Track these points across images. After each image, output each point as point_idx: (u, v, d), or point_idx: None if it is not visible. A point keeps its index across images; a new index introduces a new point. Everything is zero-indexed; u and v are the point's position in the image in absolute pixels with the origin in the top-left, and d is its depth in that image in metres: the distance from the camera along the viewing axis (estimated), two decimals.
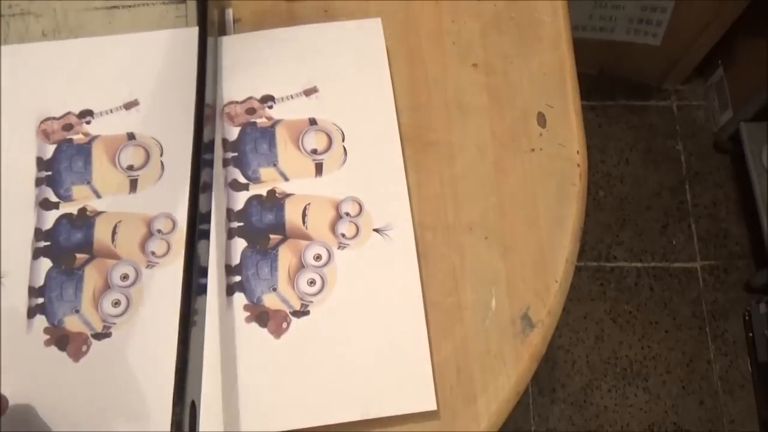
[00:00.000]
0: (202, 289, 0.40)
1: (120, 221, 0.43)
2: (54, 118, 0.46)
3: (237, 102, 0.46)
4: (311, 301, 0.42)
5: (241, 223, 0.43)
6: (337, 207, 0.44)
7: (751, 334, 1.27)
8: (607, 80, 1.45)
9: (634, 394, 1.25)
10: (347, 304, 0.42)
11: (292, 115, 0.46)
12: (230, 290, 0.42)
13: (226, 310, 0.41)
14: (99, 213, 0.44)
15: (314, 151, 0.45)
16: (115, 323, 0.41)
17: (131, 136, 0.46)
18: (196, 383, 0.36)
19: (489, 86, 0.47)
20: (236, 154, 0.45)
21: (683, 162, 1.41)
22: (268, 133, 0.45)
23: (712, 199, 1.38)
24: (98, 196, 0.44)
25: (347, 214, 0.44)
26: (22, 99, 0.46)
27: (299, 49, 0.47)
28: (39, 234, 0.43)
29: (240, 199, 0.44)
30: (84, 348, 0.40)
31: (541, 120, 0.47)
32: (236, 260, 0.43)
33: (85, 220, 0.43)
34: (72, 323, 0.41)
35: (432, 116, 0.47)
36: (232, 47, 0.47)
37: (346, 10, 0.49)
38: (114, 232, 0.43)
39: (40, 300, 0.41)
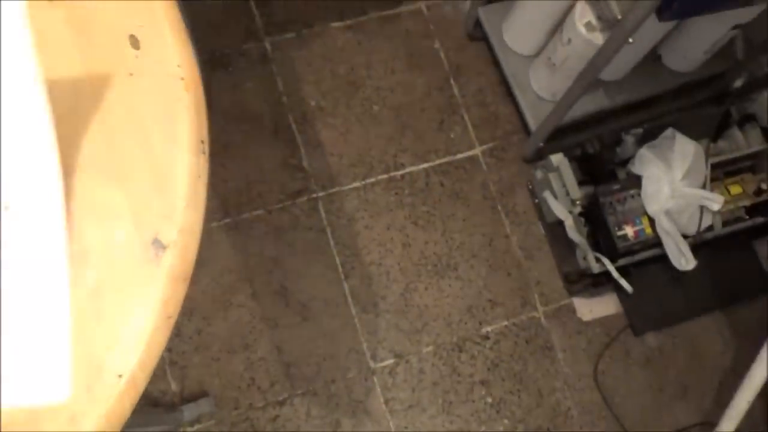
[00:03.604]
0: None
1: None
2: None
3: None
4: None
5: None
6: None
7: (536, 200, 1.37)
8: None
9: (449, 285, 1.32)
10: None
11: None
12: None
13: None
14: None
15: None
16: None
17: None
18: None
19: (70, 18, 0.45)
20: None
21: (444, 59, 1.46)
22: None
23: (477, 87, 1.45)
24: None
25: None
26: None
27: None
28: None
29: None
30: None
31: (134, 42, 0.45)
32: None
33: None
34: None
35: None
36: None
37: None
38: None
39: None
